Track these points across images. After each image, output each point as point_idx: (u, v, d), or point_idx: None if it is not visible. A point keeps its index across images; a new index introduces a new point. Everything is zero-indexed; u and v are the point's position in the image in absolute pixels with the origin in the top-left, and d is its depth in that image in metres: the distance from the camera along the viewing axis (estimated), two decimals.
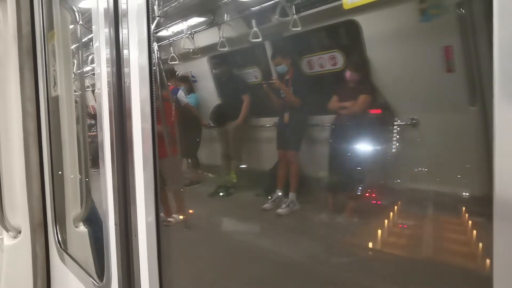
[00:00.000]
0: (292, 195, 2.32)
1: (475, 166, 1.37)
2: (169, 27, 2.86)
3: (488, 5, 0.55)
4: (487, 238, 0.58)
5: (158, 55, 1.51)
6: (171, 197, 2.49)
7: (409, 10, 1.76)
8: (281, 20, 2.20)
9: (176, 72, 3.13)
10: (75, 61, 2.36)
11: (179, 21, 2.86)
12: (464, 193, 1.44)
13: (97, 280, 1.74)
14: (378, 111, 1.97)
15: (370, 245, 1.77)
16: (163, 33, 2.80)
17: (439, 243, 1.51)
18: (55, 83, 2.26)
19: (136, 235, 1.42)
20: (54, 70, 2.25)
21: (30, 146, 2.34)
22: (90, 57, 2.27)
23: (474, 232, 1.28)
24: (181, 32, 2.91)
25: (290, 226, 2.29)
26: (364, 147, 1.97)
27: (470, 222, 1.36)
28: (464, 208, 1.40)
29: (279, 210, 2.31)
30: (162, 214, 1.40)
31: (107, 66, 1.44)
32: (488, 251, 0.57)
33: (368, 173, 1.96)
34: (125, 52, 1.38)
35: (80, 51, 2.28)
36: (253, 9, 2.61)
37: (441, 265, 1.42)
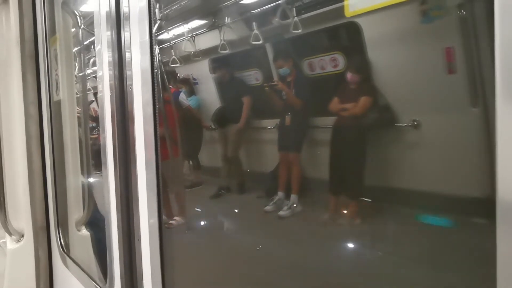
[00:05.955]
0: (293, 197, 2.32)
1: (477, 168, 1.36)
2: (170, 30, 2.87)
3: (490, 6, 0.55)
4: (490, 241, 0.58)
5: (160, 57, 1.52)
6: (173, 199, 2.48)
7: (410, 11, 1.76)
8: (282, 22, 2.20)
9: (177, 74, 3.13)
10: (76, 64, 2.36)
11: (180, 24, 2.87)
12: (466, 195, 1.44)
13: (100, 284, 1.74)
14: (379, 112, 1.96)
15: (372, 246, 1.76)
16: (164, 36, 2.81)
17: (446, 245, 1.50)
18: (57, 87, 2.27)
19: (139, 240, 1.41)
20: (57, 74, 2.26)
21: (32, 149, 2.35)
22: (92, 60, 2.28)
23: (478, 234, 1.27)
24: (182, 34, 2.91)
25: (291, 227, 2.28)
26: (365, 148, 1.96)
27: (473, 224, 1.36)
28: (467, 211, 1.39)
29: (281, 212, 2.30)
30: (164, 217, 1.40)
31: (109, 69, 1.45)
32: (492, 253, 0.57)
33: (370, 175, 1.95)
34: (127, 55, 1.38)
35: (82, 55, 2.29)
36: (254, 11, 2.62)
37: (445, 268, 1.41)
